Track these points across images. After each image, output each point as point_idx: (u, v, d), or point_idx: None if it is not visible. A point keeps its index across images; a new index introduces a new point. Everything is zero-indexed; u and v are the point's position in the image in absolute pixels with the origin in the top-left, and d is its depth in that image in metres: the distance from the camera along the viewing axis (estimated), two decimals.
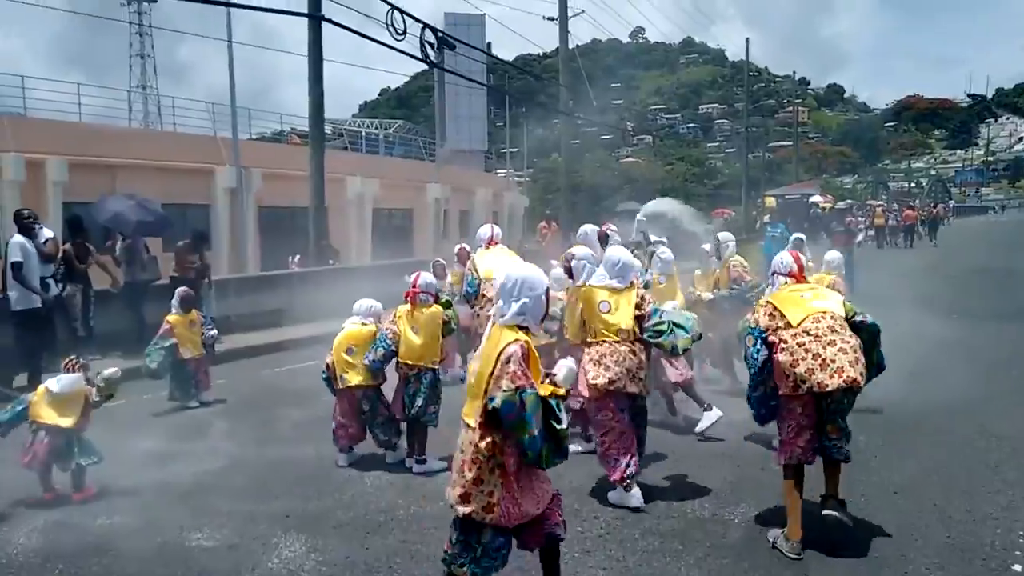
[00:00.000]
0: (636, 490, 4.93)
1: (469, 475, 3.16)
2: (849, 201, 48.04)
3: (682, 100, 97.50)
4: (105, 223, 11.15)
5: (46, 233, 9.50)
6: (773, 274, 4.96)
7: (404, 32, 17.10)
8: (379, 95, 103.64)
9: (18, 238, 8.69)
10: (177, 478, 5.59)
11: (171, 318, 8.06)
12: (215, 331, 8.50)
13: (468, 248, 8.53)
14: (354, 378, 5.76)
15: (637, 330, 5.04)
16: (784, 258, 4.91)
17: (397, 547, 4.35)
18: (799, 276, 4.82)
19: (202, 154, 22.35)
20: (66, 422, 5.14)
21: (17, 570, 4.12)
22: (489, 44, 41.77)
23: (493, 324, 3.31)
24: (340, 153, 29.25)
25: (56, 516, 4.85)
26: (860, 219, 36.03)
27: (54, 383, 5.26)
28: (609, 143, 75.56)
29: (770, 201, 39.55)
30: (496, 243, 7.63)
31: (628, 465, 4.90)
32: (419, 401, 5.65)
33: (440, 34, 18.86)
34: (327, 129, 40.19)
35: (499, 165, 50.33)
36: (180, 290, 8.31)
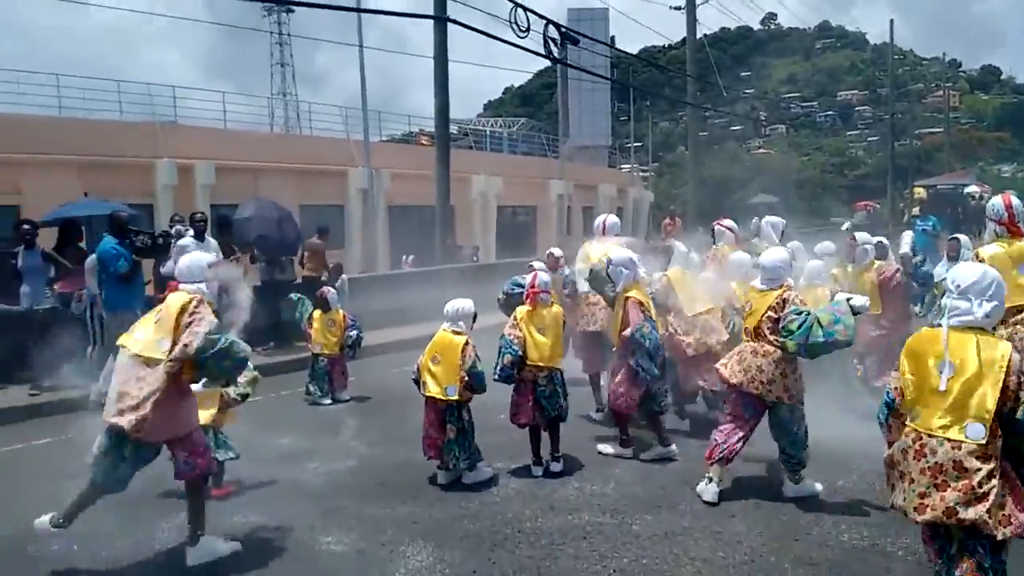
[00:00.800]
0: (713, 487, 4.95)
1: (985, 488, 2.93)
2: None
3: (818, 87, 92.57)
4: (252, 242, 11.53)
5: (189, 235, 10.06)
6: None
7: (527, 29, 17.00)
8: (503, 94, 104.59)
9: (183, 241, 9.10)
10: (309, 476, 5.66)
11: (316, 313, 8.32)
12: (355, 332, 8.57)
13: (557, 254, 8.13)
14: (433, 389, 5.40)
15: (766, 331, 4.93)
16: (996, 203, 4.76)
17: (524, 562, 4.16)
18: (1011, 225, 4.64)
19: (336, 157, 23.19)
20: (203, 418, 5.28)
21: (154, 566, 4.23)
22: (613, 38, 41.15)
23: (950, 327, 3.08)
24: (464, 152, 29.63)
25: None
26: None
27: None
28: (740, 135, 72.94)
29: (919, 192, 36.86)
30: (606, 235, 7.33)
31: (723, 450, 4.95)
32: (558, 401, 5.60)
33: (563, 30, 18.68)
34: (452, 129, 40.91)
35: (623, 160, 49.61)
36: (320, 290, 8.57)
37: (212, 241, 9.56)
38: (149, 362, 4.06)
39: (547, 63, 23.68)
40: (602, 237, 7.41)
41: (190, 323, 4.05)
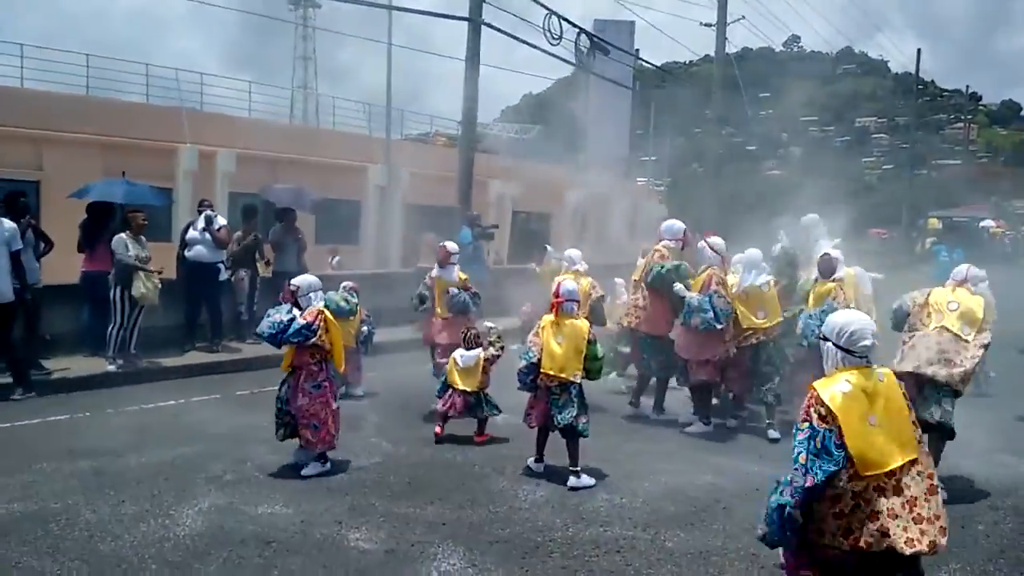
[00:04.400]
0: None
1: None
2: None
3: (836, 112, 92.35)
4: (274, 200, 11.96)
5: (220, 221, 10.00)
6: None
7: (560, 37, 17.07)
8: (520, 100, 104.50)
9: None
10: (335, 471, 5.56)
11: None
12: (366, 328, 8.43)
13: (450, 248, 8.23)
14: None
15: None
16: None
17: (557, 573, 4.09)
18: None
19: (356, 152, 23.19)
20: (471, 386, 6.48)
21: (183, 553, 4.16)
22: (637, 51, 41.09)
23: None
24: (483, 156, 29.63)
25: (220, 502, 4.90)
26: None
27: (459, 357, 6.63)
28: (755, 155, 72.99)
29: (934, 223, 36.72)
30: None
31: None
32: (572, 413, 5.47)
33: (595, 39, 18.70)
34: None
35: (637, 174, 49.45)
36: (345, 283, 8.40)
37: (221, 220, 10.03)
38: None
39: (567, 72, 23.75)
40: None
41: None
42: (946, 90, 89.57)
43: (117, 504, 4.74)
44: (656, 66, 33.81)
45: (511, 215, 27.97)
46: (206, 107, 21.76)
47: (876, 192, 66.57)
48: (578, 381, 5.54)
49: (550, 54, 17.46)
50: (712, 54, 25.24)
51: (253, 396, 7.82)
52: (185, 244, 9.72)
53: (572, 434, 5.49)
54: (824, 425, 3.18)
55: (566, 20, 17.14)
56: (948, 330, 5.51)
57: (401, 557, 4.20)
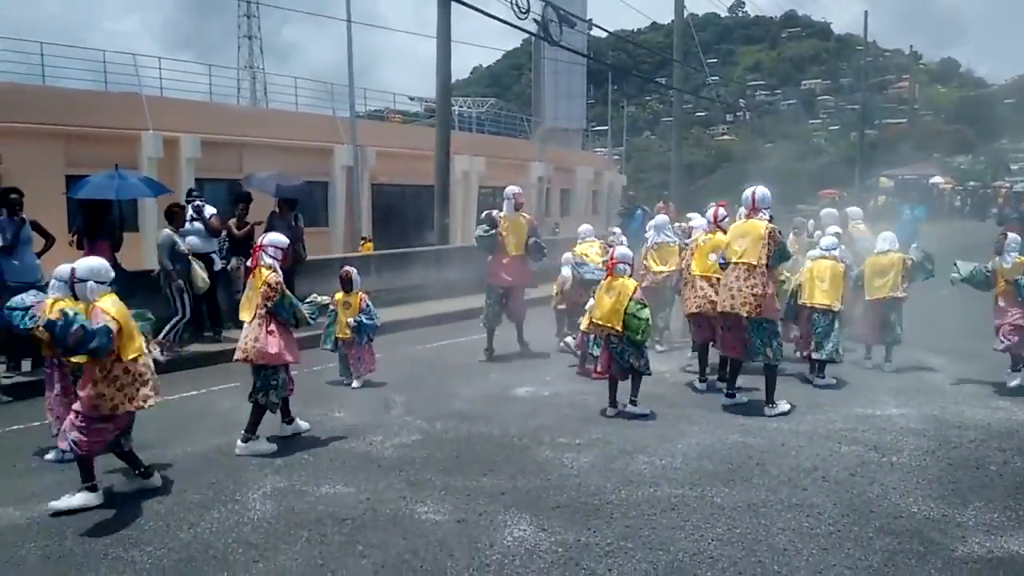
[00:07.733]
0: None
1: None
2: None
3: (782, 76, 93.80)
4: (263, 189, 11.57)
5: (209, 210, 9.93)
6: None
7: (528, 10, 17.16)
8: (470, 74, 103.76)
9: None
10: (379, 450, 5.73)
11: (339, 295, 8.11)
12: (357, 319, 7.86)
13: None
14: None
15: None
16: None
17: (624, 532, 4.33)
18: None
19: (321, 133, 22.98)
20: None
21: (264, 534, 4.30)
22: (590, 20, 41.20)
23: None
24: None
25: (280, 485, 5.03)
26: None
27: None
28: (705, 120, 73.74)
29: (884, 182, 37.70)
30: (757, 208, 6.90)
31: None
32: (626, 358, 6.53)
33: (562, 12, 18.81)
34: (419, 108, 40.45)
35: (593, 144, 49.76)
36: (344, 270, 8.34)
37: (210, 208, 9.96)
38: None
39: (516, 44, 23.63)
40: (752, 211, 6.88)
41: None
42: (887, 50, 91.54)
43: (179, 492, 4.84)
44: (615, 34, 33.82)
45: (477, 191, 27.98)
46: (150, 91, 21.21)
47: (825, 154, 68.23)
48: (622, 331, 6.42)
49: (517, 27, 17.52)
50: (658, 22, 25.58)
51: None
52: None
53: (635, 374, 6.62)
54: None
55: None
56: None
57: (473, 526, 4.40)
